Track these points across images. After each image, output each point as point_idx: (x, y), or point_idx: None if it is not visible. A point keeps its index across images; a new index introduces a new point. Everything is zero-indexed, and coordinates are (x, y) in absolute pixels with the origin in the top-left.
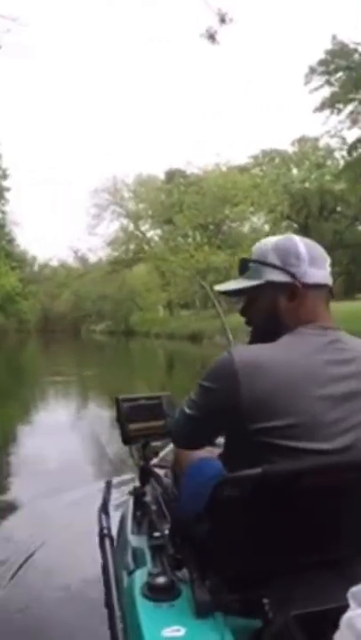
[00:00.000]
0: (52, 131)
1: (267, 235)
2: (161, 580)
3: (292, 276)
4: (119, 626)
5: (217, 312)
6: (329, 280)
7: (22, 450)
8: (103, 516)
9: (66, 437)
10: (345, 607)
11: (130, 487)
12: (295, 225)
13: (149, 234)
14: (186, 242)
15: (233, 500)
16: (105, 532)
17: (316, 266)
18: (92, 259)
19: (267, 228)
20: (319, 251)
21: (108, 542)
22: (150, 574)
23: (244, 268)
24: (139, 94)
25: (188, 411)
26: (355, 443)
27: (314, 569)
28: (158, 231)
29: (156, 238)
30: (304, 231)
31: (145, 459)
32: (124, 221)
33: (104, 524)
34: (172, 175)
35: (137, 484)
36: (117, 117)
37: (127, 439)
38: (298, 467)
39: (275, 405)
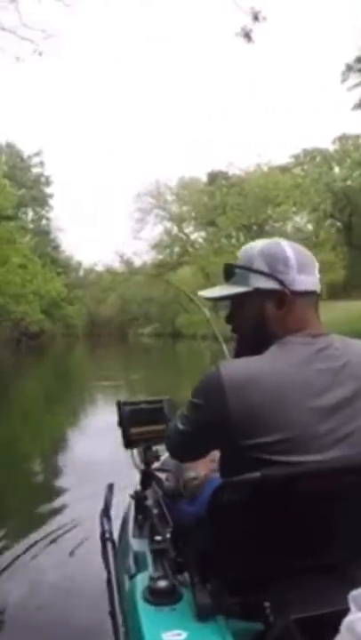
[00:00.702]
0: (93, 137)
1: (311, 234)
2: (162, 583)
3: (281, 283)
4: (121, 630)
5: (205, 317)
6: (318, 286)
7: (73, 454)
8: (105, 520)
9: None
10: (345, 611)
11: (131, 491)
12: (338, 223)
13: (193, 236)
14: (230, 243)
15: (233, 504)
16: (106, 535)
17: (306, 272)
18: (137, 262)
19: (310, 227)
20: (308, 256)
21: (109, 546)
22: (151, 578)
23: (230, 273)
24: (180, 97)
25: (180, 426)
26: (348, 452)
27: (314, 573)
28: (202, 233)
29: (200, 240)
30: (348, 229)
31: (146, 462)
32: (168, 224)
33: (105, 528)
34: (214, 177)
35: (138, 487)
36: (158, 121)
37: (128, 443)
38: (296, 471)
39: (265, 420)
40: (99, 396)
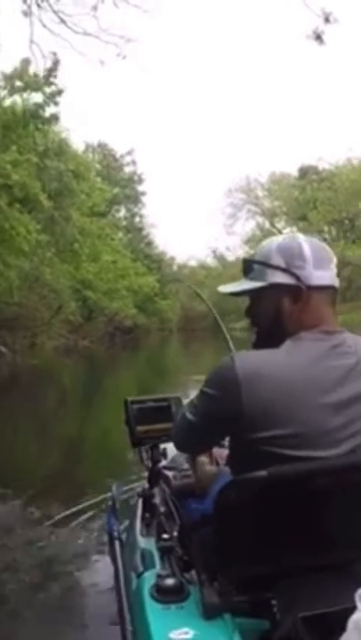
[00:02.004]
0: (184, 134)
1: None
2: (169, 581)
3: (297, 278)
4: (129, 628)
5: (209, 309)
6: (335, 281)
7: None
8: (112, 518)
9: None
10: (352, 609)
11: (139, 489)
12: None
13: (285, 231)
14: (321, 237)
15: (240, 502)
16: (114, 533)
17: (322, 267)
18: (230, 257)
19: None
20: (325, 251)
21: (117, 544)
22: (159, 576)
23: (249, 268)
24: (267, 92)
25: (189, 416)
26: (357, 448)
27: (321, 571)
28: (293, 228)
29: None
30: None
31: (154, 461)
32: (260, 219)
33: (113, 526)
34: (304, 172)
35: (146, 485)
36: (247, 117)
37: (136, 441)
38: (303, 469)
39: (276, 414)
40: (191, 392)
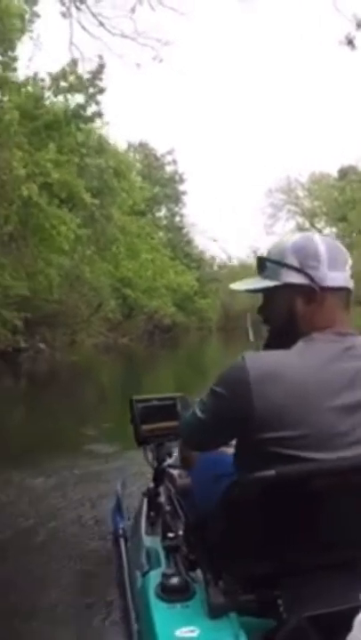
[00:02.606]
0: (224, 134)
1: None
2: (175, 580)
3: (311, 278)
4: (134, 626)
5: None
6: (350, 283)
7: None
8: (117, 517)
9: None
10: (358, 608)
11: (144, 488)
12: None
13: (325, 231)
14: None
15: (246, 501)
16: (119, 532)
17: (336, 268)
18: None
19: None
20: (341, 252)
21: (122, 543)
22: (164, 575)
23: (263, 266)
24: (308, 92)
25: (199, 414)
26: None
27: (327, 570)
28: (333, 229)
29: (332, 235)
30: None
31: (159, 459)
32: (300, 220)
33: (118, 525)
34: (344, 172)
35: (151, 484)
36: (288, 117)
37: (141, 440)
38: (310, 469)
39: (286, 415)
40: None
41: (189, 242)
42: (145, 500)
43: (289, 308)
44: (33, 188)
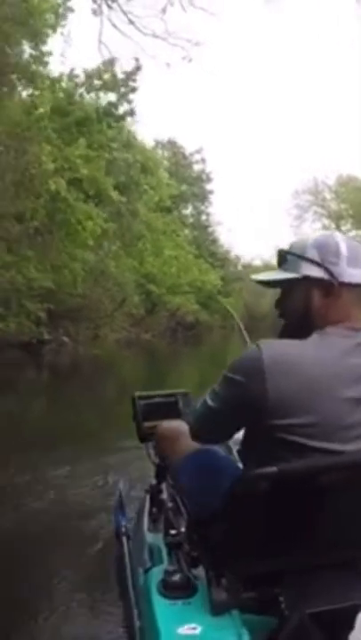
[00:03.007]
0: (251, 133)
1: None
2: (177, 577)
3: (330, 273)
4: (136, 623)
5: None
6: None
7: None
8: (119, 514)
9: None
10: (360, 606)
11: (146, 485)
12: None
13: (351, 234)
14: None
15: (249, 498)
16: (121, 529)
17: (356, 265)
18: None
19: None
20: None
21: (124, 539)
22: (166, 572)
23: (283, 259)
24: (336, 94)
25: (210, 402)
26: None
27: (329, 568)
28: (360, 232)
29: (359, 239)
30: None
31: (161, 456)
32: (326, 222)
33: (120, 522)
34: None
35: (153, 481)
36: (315, 118)
37: (143, 437)
38: (314, 465)
39: (298, 404)
40: None
41: (215, 240)
42: (147, 497)
43: (306, 300)
44: (61, 183)
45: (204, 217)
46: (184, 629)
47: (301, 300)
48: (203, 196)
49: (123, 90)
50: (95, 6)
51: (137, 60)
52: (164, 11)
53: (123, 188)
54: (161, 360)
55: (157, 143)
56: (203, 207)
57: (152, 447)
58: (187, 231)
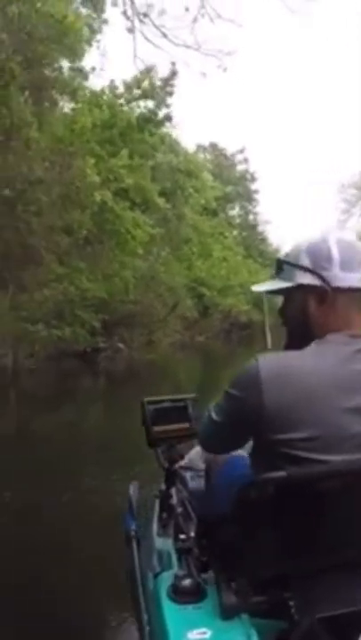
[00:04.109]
0: (294, 130)
1: None
2: (187, 582)
3: (322, 279)
4: (146, 628)
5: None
6: None
7: None
8: (129, 518)
9: None
10: None
11: (156, 490)
12: None
13: None
14: None
15: (258, 502)
16: (131, 534)
17: (349, 269)
18: None
19: None
20: (356, 252)
21: (134, 544)
22: (176, 576)
23: (280, 268)
24: None
25: (214, 416)
26: None
27: (339, 571)
28: None
29: None
30: None
31: (170, 461)
32: None
33: (130, 526)
34: None
35: (163, 486)
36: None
37: (152, 442)
38: (322, 470)
39: (298, 417)
40: None
41: (264, 239)
42: (157, 502)
43: (303, 309)
44: (107, 194)
45: (251, 217)
46: (194, 634)
47: (299, 308)
48: (249, 196)
49: (160, 95)
50: (129, 24)
51: (173, 64)
52: (195, 20)
53: (168, 194)
54: (216, 361)
55: (199, 147)
56: (250, 207)
57: (161, 452)
58: (235, 232)
